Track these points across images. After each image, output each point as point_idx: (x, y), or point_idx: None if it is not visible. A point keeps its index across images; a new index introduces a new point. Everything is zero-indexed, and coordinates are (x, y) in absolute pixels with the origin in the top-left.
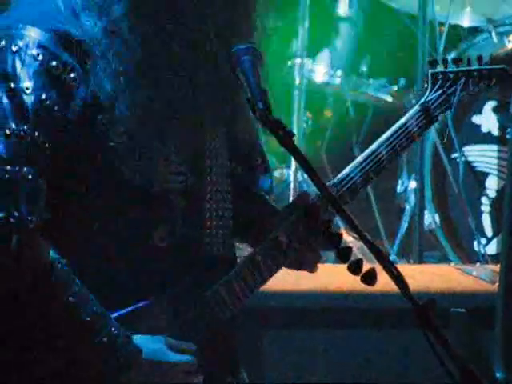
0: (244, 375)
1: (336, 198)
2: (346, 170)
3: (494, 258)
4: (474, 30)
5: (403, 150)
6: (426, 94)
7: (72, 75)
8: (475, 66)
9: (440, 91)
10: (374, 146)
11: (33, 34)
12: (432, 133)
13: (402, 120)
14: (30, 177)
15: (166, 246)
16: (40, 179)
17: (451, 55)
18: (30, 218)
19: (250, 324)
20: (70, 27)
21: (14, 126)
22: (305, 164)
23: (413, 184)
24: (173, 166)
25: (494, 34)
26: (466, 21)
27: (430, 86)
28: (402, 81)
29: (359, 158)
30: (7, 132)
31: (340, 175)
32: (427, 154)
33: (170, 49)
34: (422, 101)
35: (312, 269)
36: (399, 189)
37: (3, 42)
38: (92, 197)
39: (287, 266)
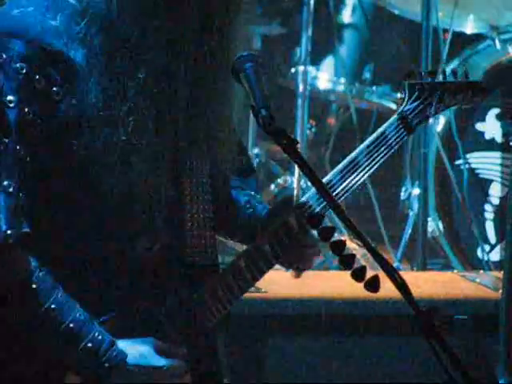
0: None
1: (339, 204)
2: (327, 178)
3: (498, 265)
4: (478, 37)
5: (382, 159)
6: (404, 103)
7: (55, 89)
8: (451, 79)
9: (417, 102)
10: (353, 155)
11: (17, 47)
12: (436, 140)
13: (381, 129)
14: (10, 190)
15: (150, 255)
16: (20, 192)
17: (454, 62)
18: (9, 233)
19: (252, 331)
20: (55, 41)
21: None
22: (308, 171)
23: (416, 191)
24: (153, 177)
25: (497, 41)
26: (469, 28)
27: (407, 96)
28: None
29: (340, 166)
30: None
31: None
32: (431, 160)
33: (139, 81)
34: (400, 110)
35: (310, 264)
36: (403, 196)
37: None
38: (73, 208)
39: (287, 263)
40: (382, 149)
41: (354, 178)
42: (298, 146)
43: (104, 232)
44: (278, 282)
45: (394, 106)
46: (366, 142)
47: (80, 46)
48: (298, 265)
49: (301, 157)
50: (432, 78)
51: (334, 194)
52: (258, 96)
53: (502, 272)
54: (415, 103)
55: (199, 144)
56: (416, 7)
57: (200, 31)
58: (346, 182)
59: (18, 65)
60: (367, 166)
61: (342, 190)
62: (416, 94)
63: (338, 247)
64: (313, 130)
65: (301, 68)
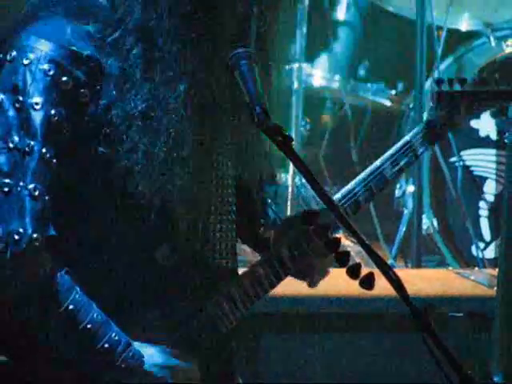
0: None
1: (334, 201)
2: (349, 186)
3: (492, 262)
4: (472, 35)
5: (408, 167)
6: (432, 112)
7: (82, 91)
8: (480, 87)
9: (445, 110)
10: (377, 163)
11: (45, 47)
12: None
13: (407, 137)
14: (36, 193)
15: (173, 260)
16: (46, 196)
17: (449, 59)
18: (34, 236)
19: (248, 329)
20: (83, 42)
21: (17, 139)
22: (303, 168)
23: (411, 188)
24: (178, 181)
25: (491, 38)
26: (464, 25)
27: (435, 104)
28: (400, 85)
29: (363, 174)
30: (10, 145)
31: (344, 190)
32: (425, 158)
33: (180, 96)
34: (428, 119)
35: (323, 276)
36: (397, 193)
37: (14, 53)
38: (96, 214)
39: (296, 276)
40: (407, 157)
41: (378, 186)
42: (293, 142)
43: (126, 235)
44: None
45: (388, 103)
46: (391, 151)
47: (115, 53)
48: (313, 275)
49: (295, 154)
50: (461, 85)
51: (356, 202)
52: (253, 93)
53: (497, 269)
54: (443, 112)
55: (230, 151)
56: (410, 4)
57: (238, 42)
58: (370, 190)
59: (45, 66)
60: (391, 174)
61: (364, 198)
62: (445, 102)
63: (333, 244)
64: (307, 127)
65: (295, 65)
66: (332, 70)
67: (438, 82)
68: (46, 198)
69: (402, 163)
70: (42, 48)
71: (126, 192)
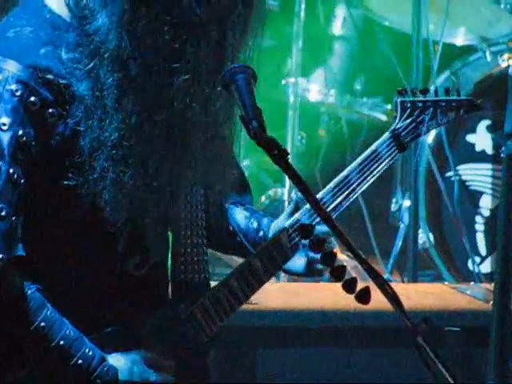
0: None
1: (331, 216)
2: (318, 195)
3: (488, 277)
4: (468, 49)
5: (373, 177)
6: (396, 121)
7: (51, 111)
8: (442, 97)
9: (409, 119)
10: (345, 172)
11: (12, 68)
12: (426, 151)
13: (373, 147)
14: (2, 214)
15: (142, 272)
16: (14, 216)
17: (445, 74)
18: (0, 257)
19: (244, 342)
20: (52, 63)
21: None
22: (299, 182)
23: (407, 203)
24: (149, 196)
25: (487, 53)
26: (460, 40)
27: (399, 113)
28: None
29: (331, 184)
30: None
31: None
32: (421, 172)
33: (152, 125)
34: (392, 128)
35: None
36: (393, 207)
37: None
38: (67, 228)
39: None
40: (374, 166)
41: (346, 195)
42: (289, 157)
43: (97, 249)
44: (268, 294)
45: (384, 118)
46: (358, 160)
47: (88, 80)
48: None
49: (291, 168)
50: (424, 95)
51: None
52: (249, 107)
53: (493, 284)
54: (407, 121)
55: (199, 168)
56: (407, 19)
57: (215, 71)
58: (338, 199)
59: (12, 86)
60: (359, 183)
61: (334, 208)
62: (408, 111)
63: (329, 259)
64: (303, 141)
65: (291, 80)
66: (328, 84)
67: (401, 91)
68: (13, 218)
69: (368, 172)
70: (9, 68)
71: (94, 217)
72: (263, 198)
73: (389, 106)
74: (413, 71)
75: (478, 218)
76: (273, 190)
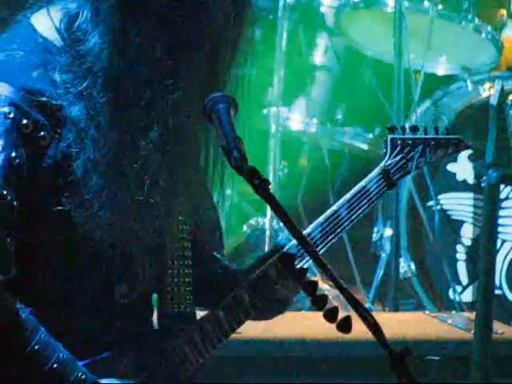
0: None
1: (312, 245)
2: (307, 230)
3: (470, 306)
4: (449, 79)
5: (362, 212)
6: (386, 158)
7: (43, 133)
8: (432, 135)
9: (399, 156)
10: (334, 208)
11: (4, 90)
12: (408, 181)
13: (362, 183)
14: None
15: (128, 302)
16: (8, 238)
17: (426, 103)
18: None
19: (225, 372)
20: (44, 86)
21: None
22: (280, 212)
23: (388, 232)
24: (131, 224)
25: (469, 82)
26: (441, 69)
27: (389, 150)
28: (378, 129)
29: (320, 219)
30: None
31: None
32: (403, 201)
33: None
34: (382, 165)
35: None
36: (374, 236)
37: None
38: (55, 252)
39: (265, 313)
40: (363, 203)
41: (335, 231)
42: (270, 186)
43: (84, 275)
44: (251, 323)
45: (365, 147)
46: (347, 196)
47: (81, 101)
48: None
49: (273, 197)
50: (413, 133)
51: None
52: (230, 137)
53: (474, 313)
54: (397, 158)
55: (188, 198)
56: (388, 49)
57: (208, 87)
58: (327, 235)
59: (5, 109)
60: (348, 219)
61: (323, 243)
62: (398, 149)
63: (311, 288)
64: (285, 170)
65: (273, 109)
66: (309, 113)
67: (391, 128)
68: (8, 240)
69: (357, 208)
70: (1, 91)
71: (86, 238)
72: (245, 228)
73: (370, 136)
74: (394, 101)
75: (460, 247)
76: (254, 220)
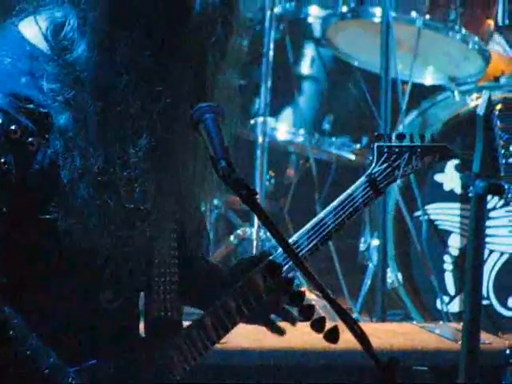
0: None
1: (298, 255)
2: (294, 238)
3: (457, 316)
4: (437, 89)
5: (349, 220)
6: (372, 165)
7: (30, 139)
8: (418, 143)
9: (385, 164)
10: (321, 215)
11: None
12: (395, 191)
13: (349, 191)
14: None
15: (113, 307)
16: None
17: (413, 113)
18: None
19: (210, 381)
20: (32, 93)
21: None
22: (267, 222)
23: (375, 242)
24: (122, 232)
25: (456, 92)
26: (428, 79)
27: (375, 158)
28: (365, 139)
29: (307, 226)
30: None
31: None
32: (390, 212)
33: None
34: (368, 172)
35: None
36: (362, 247)
37: None
38: (42, 259)
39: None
40: (350, 210)
41: (322, 238)
42: (257, 196)
43: (71, 280)
44: (236, 332)
45: (353, 157)
46: (334, 204)
47: (67, 109)
48: (263, 321)
49: (260, 207)
50: (400, 141)
51: (300, 254)
52: (218, 147)
53: (462, 323)
54: (383, 166)
55: (181, 188)
56: (375, 59)
57: (197, 94)
58: (314, 242)
59: None
60: (334, 226)
61: (308, 250)
62: (384, 156)
63: (298, 298)
64: (272, 180)
65: (260, 119)
66: (296, 124)
67: (378, 136)
68: None
69: (344, 216)
70: None
71: (72, 245)
72: (232, 238)
73: (357, 146)
74: (381, 111)
75: (447, 258)
76: (241, 230)
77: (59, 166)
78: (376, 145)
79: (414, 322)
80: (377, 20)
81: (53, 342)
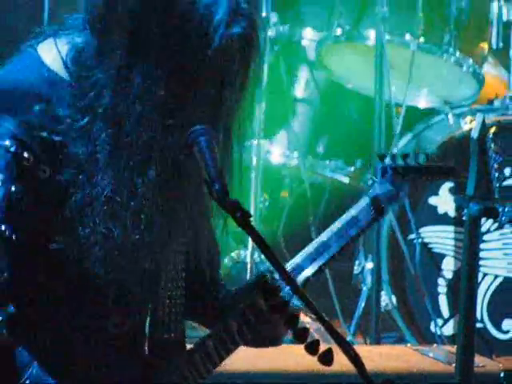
0: None
1: (293, 278)
2: (297, 261)
3: (451, 339)
4: (431, 112)
5: (353, 241)
6: (375, 186)
7: (43, 168)
8: (423, 160)
9: (389, 185)
10: (324, 238)
11: (7, 123)
12: (389, 214)
13: (352, 212)
14: None
15: (120, 331)
16: (5, 273)
17: (407, 136)
18: None
19: None
20: (46, 121)
21: None
22: (262, 244)
23: (369, 265)
24: (127, 261)
25: (450, 115)
26: (422, 102)
27: (379, 179)
28: (359, 162)
29: (310, 249)
30: None
31: (290, 266)
32: (384, 234)
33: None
34: (371, 193)
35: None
36: (356, 269)
37: None
38: (50, 287)
39: (253, 343)
40: (353, 232)
41: (326, 260)
42: (252, 219)
43: (78, 307)
44: (231, 355)
45: (346, 180)
46: (337, 225)
47: (81, 137)
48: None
49: (254, 230)
50: (404, 160)
51: (304, 278)
52: (212, 169)
53: (456, 346)
54: (387, 186)
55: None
56: (369, 82)
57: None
58: (317, 265)
59: (7, 142)
60: (338, 249)
61: (313, 274)
62: (388, 177)
63: (292, 321)
64: (266, 203)
65: (254, 142)
66: (290, 146)
67: (382, 156)
68: (5, 274)
69: (347, 238)
70: (3, 124)
71: (79, 272)
72: (226, 260)
73: (351, 169)
74: (375, 134)
75: (441, 280)
76: (236, 252)
77: (69, 193)
78: (380, 166)
79: (408, 345)
80: (371, 43)
81: (59, 367)
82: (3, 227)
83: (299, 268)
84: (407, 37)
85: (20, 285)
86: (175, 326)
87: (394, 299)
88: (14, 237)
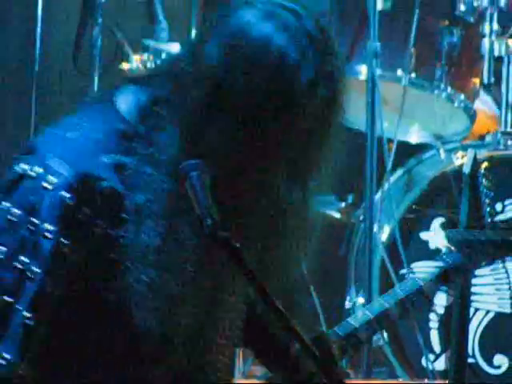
0: None
1: (288, 317)
2: (353, 324)
3: (442, 374)
4: (422, 147)
5: (416, 310)
6: (447, 258)
7: (99, 222)
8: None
9: (461, 257)
10: (386, 305)
11: (66, 173)
12: (380, 249)
13: (420, 282)
14: (30, 323)
15: (166, 378)
16: (41, 326)
17: (399, 172)
18: (12, 361)
19: None
20: (108, 174)
21: (24, 261)
22: (253, 280)
23: (361, 300)
24: (186, 309)
25: (441, 150)
26: (413, 137)
27: (451, 250)
28: (350, 197)
29: (369, 314)
30: (18, 266)
31: (345, 328)
32: (375, 270)
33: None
34: (443, 266)
35: None
36: (347, 305)
37: (39, 171)
38: (95, 336)
39: None
40: (415, 302)
41: (382, 327)
42: (244, 254)
43: (122, 360)
44: None
45: (338, 215)
46: (399, 292)
47: (142, 186)
48: None
49: (246, 264)
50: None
51: (358, 342)
52: (203, 204)
53: (447, 381)
54: (458, 259)
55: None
56: (360, 117)
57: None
58: (373, 330)
59: (63, 193)
60: (398, 316)
61: (366, 338)
62: (462, 250)
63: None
64: None
65: None
66: None
67: (451, 222)
68: (41, 328)
69: (410, 307)
70: (64, 174)
71: (126, 323)
72: None
73: (343, 204)
74: (367, 169)
75: (433, 316)
76: None
77: (122, 245)
78: (455, 239)
79: (400, 380)
80: (362, 77)
81: None
82: (47, 280)
83: (354, 331)
84: (399, 72)
85: (62, 341)
86: (224, 367)
87: (385, 334)
88: (56, 292)
